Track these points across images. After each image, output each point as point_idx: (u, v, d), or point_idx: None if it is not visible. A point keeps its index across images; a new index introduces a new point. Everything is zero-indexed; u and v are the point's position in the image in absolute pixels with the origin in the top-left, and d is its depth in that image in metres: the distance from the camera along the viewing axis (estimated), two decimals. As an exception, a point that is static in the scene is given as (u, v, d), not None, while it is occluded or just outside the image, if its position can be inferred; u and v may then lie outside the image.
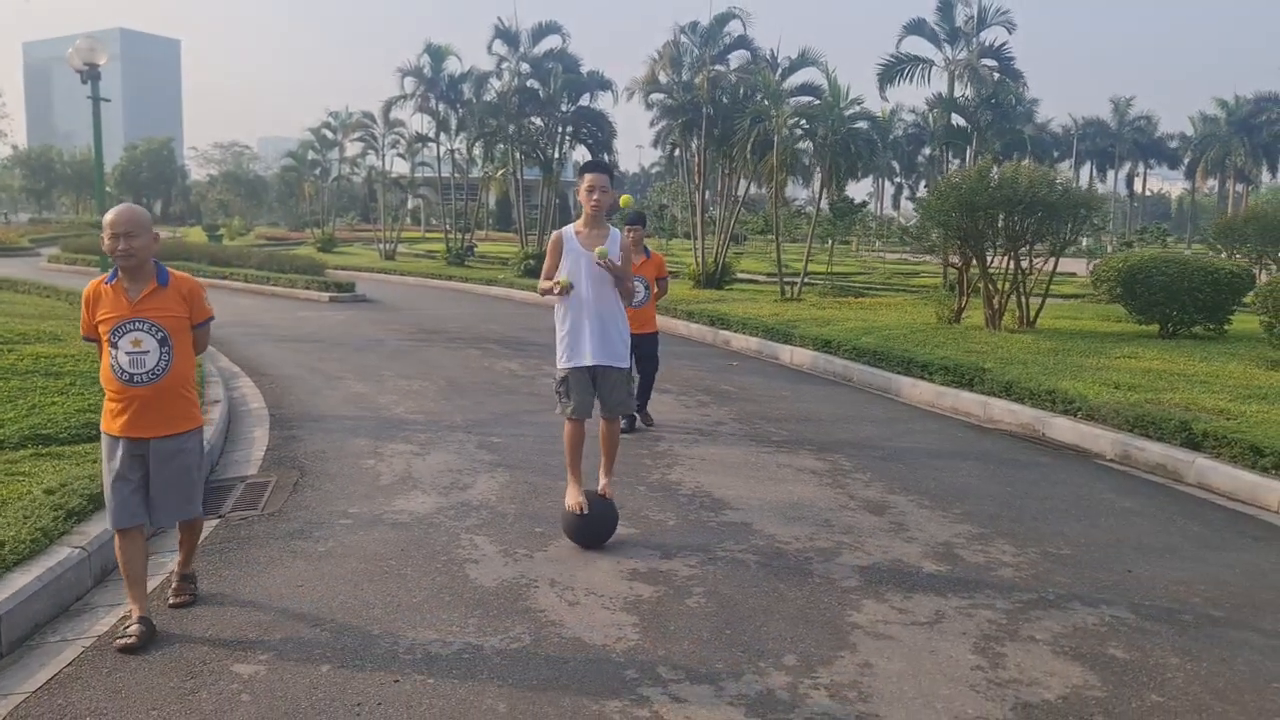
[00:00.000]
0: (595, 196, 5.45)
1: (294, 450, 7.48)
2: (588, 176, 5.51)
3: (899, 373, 11.11)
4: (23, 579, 4.27)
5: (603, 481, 5.58)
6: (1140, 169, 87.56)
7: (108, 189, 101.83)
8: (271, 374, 11.01)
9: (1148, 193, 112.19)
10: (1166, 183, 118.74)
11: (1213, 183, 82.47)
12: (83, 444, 6.70)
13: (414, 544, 5.30)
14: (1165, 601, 4.70)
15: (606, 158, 30.24)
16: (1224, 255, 20.35)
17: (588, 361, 5.45)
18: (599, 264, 5.31)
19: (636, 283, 8.05)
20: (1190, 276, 13.43)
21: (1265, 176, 78.33)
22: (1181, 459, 7.39)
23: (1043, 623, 4.39)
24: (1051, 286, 24.65)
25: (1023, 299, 14.78)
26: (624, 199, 6.15)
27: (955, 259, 15.47)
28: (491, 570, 4.93)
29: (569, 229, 5.59)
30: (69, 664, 3.83)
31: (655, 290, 8.78)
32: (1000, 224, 14.06)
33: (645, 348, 8.51)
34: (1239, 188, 76.86)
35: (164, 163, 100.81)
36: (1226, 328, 13.88)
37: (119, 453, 4.06)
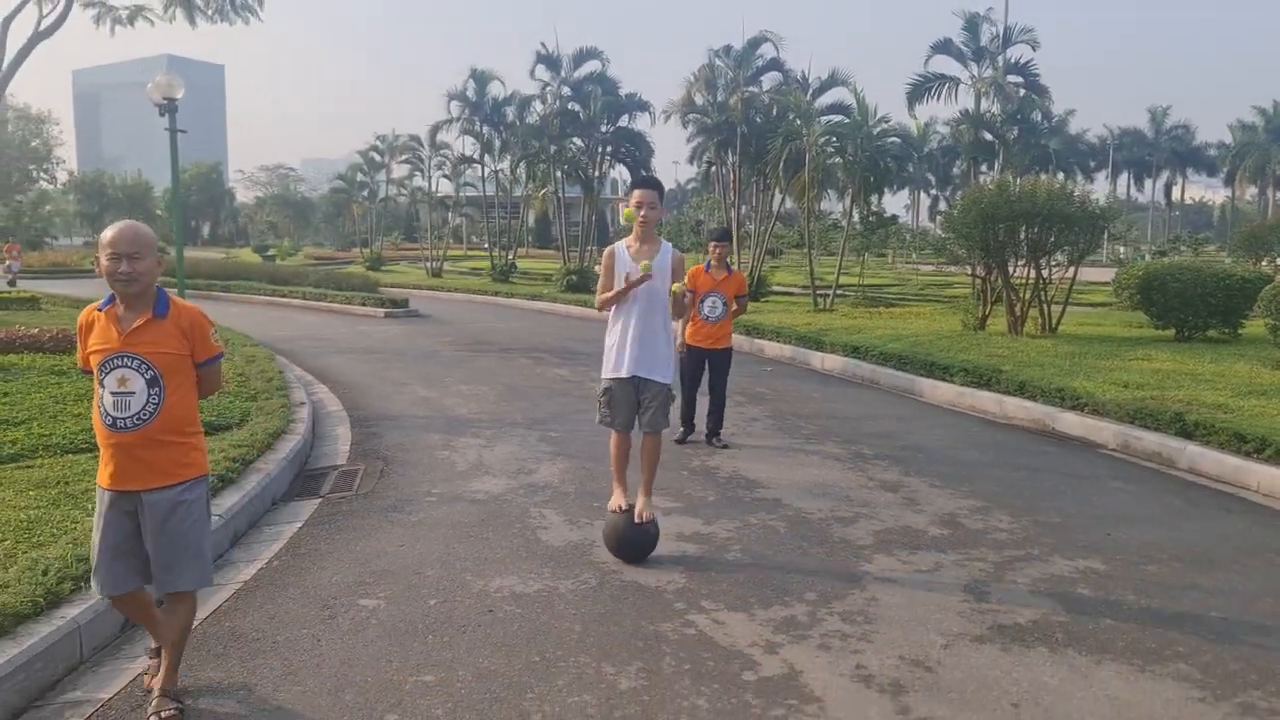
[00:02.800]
0: (644, 212, 5.56)
1: (375, 444, 8.44)
2: (637, 193, 5.64)
3: (922, 375, 11.90)
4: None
5: (640, 502, 5.48)
6: (1178, 178, 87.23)
7: (158, 212, 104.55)
8: (343, 381, 12.02)
9: (1189, 201, 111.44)
10: (1209, 191, 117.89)
11: (1254, 190, 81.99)
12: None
13: (492, 515, 6.23)
14: (1135, 558, 5.51)
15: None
16: (1249, 263, 20.92)
17: (631, 373, 5.54)
18: (641, 275, 5.38)
19: (715, 298, 8.47)
20: (1204, 283, 14.13)
21: (1306, 184, 77.82)
22: (1174, 446, 8.14)
23: (1025, 571, 5.22)
24: (1082, 295, 25.36)
25: (1044, 306, 15.51)
26: (626, 212, 6.21)
27: (980, 269, 16.21)
28: (559, 534, 5.84)
29: (621, 244, 5.72)
30: (227, 599, 4.77)
31: (734, 307, 8.77)
32: (1021, 235, 14.82)
33: (719, 362, 8.64)
34: (1279, 195, 76.46)
35: (213, 186, 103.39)
36: (1240, 331, 14.53)
37: (107, 508, 3.55)
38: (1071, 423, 9.36)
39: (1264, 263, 20.96)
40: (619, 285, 5.54)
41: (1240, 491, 7.19)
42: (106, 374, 3.48)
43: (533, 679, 3.88)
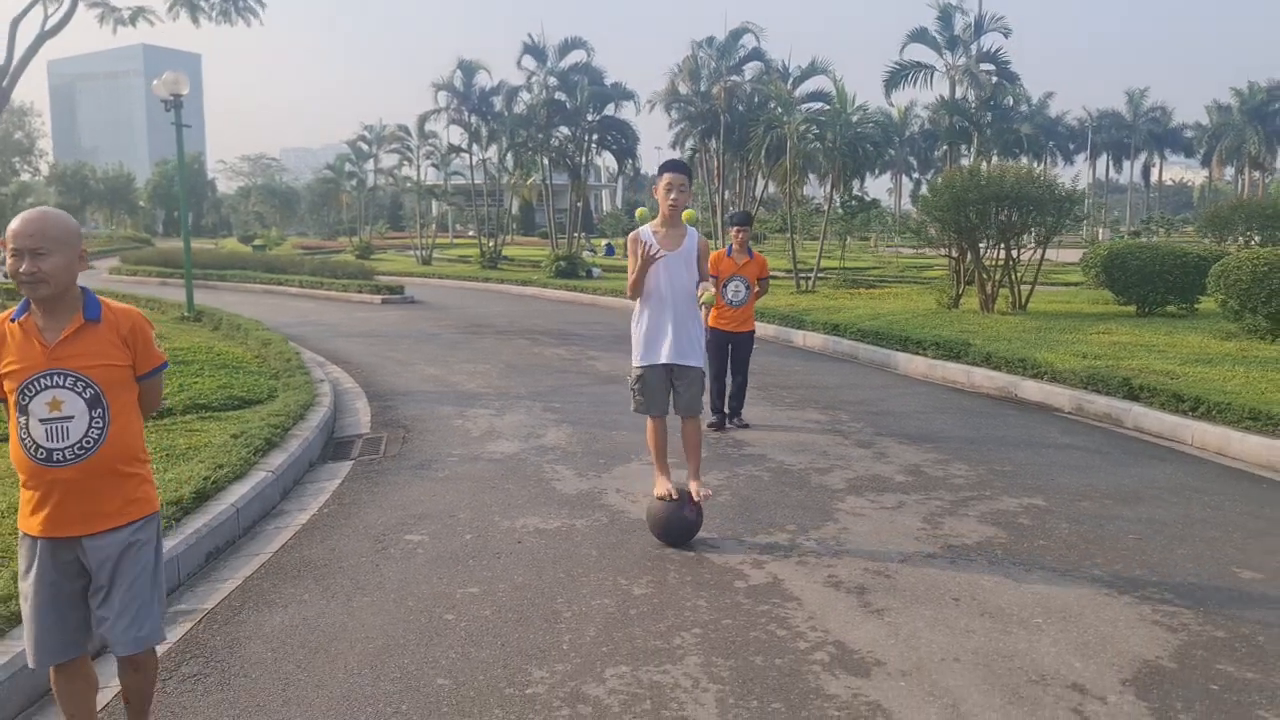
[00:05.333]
0: (674, 196, 5.43)
1: (394, 415, 9.21)
2: (666, 175, 5.48)
3: (897, 349, 12.75)
4: (242, 489, 6.01)
5: (693, 486, 5.49)
6: (1157, 160, 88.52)
7: (141, 204, 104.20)
8: (353, 361, 12.77)
9: (1169, 182, 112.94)
10: (1189, 172, 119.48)
11: (1230, 170, 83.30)
12: (231, 410, 8.39)
13: (510, 471, 7.03)
14: (1072, 496, 6.35)
15: (630, 163, 32.01)
16: (1215, 242, 21.84)
17: (664, 359, 5.47)
18: (654, 255, 5.39)
19: (738, 282, 8.48)
20: (1162, 261, 15.03)
21: (1280, 163, 79.22)
22: (1122, 408, 8.99)
23: (976, 506, 6.06)
24: (1056, 275, 26.32)
25: (1014, 285, 16.38)
26: (640, 211, 6.33)
27: (953, 251, 17.06)
28: (572, 484, 6.65)
29: (646, 229, 5.57)
30: (291, 537, 5.56)
31: (756, 290, 8.73)
32: (991, 218, 15.68)
33: (742, 345, 8.71)
34: (1255, 175, 77.77)
35: (194, 176, 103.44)
36: (1197, 307, 15.44)
37: (37, 560, 2.94)
38: (1031, 389, 10.21)
39: (1229, 242, 21.83)
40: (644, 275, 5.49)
41: (1177, 445, 8.04)
42: (31, 398, 2.85)
43: (560, 589, 4.68)
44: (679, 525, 5.34)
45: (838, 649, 4.00)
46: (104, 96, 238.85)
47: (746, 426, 8.57)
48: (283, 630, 4.24)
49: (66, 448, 2.86)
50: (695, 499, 5.36)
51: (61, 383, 2.86)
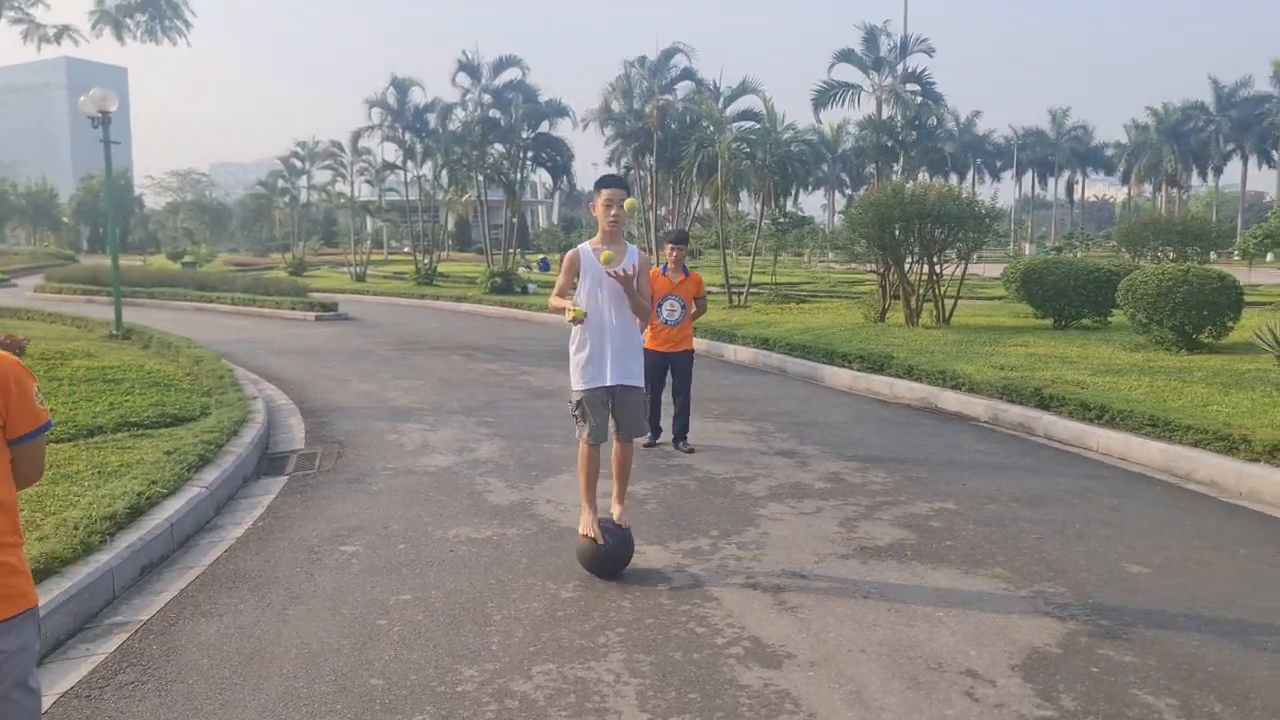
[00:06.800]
0: (614, 211, 5.20)
1: (328, 431, 9.30)
2: (605, 192, 5.24)
3: (823, 362, 13.11)
4: (176, 504, 6.09)
5: (616, 510, 5.33)
6: (1079, 176, 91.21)
7: (65, 219, 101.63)
8: (286, 379, 12.79)
9: (1092, 198, 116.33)
10: (1110, 188, 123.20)
11: (1149, 187, 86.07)
12: (163, 428, 8.40)
13: (443, 484, 7.18)
14: (980, 500, 6.69)
15: (566, 180, 32.25)
16: (1131, 258, 22.70)
17: (607, 382, 5.24)
18: (609, 272, 5.15)
19: (674, 301, 8.32)
20: (1075, 276, 15.65)
21: (1195, 180, 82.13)
22: (1033, 416, 9.41)
23: (889, 511, 6.37)
24: (982, 289, 27.05)
25: (938, 300, 16.90)
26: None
27: (879, 266, 17.55)
28: (503, 496, 6.82)
29: (586, 246, 5.37)
30: (225, 550, 5.66)
31: (693, 309, 8.58)
32: (914, 234, 16.18)
33: (681, 365, 8.53)
34: (1173, 192, 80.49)
35: (121, 192, 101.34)
36: (1109, 320, 16.08)
37: None
38: (951, 400, 10.61)
39: (1143, 257, 22.67)
40: (585, 286, 5.27)
41: (1083, 451, 8.46)
42: None
43: (491, 594, 4.86)
44: (614, 558, 5.16)
45: (753, 643, 4.24)
46: (26, 109, 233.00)
47: (692, 451, 8.27)
48: (219, 638, 4.37)
49: None
50: (618, 523, 5.22)
51: None
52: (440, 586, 4.98)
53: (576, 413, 5.30)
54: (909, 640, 4.26)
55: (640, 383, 5.38)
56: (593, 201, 5.45)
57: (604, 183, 5.36)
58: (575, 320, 5.10)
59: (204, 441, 7.49)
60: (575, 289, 5.34)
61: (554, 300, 5.35)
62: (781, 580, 5.04)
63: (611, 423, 5.38)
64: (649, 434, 8.35)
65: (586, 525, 5.16)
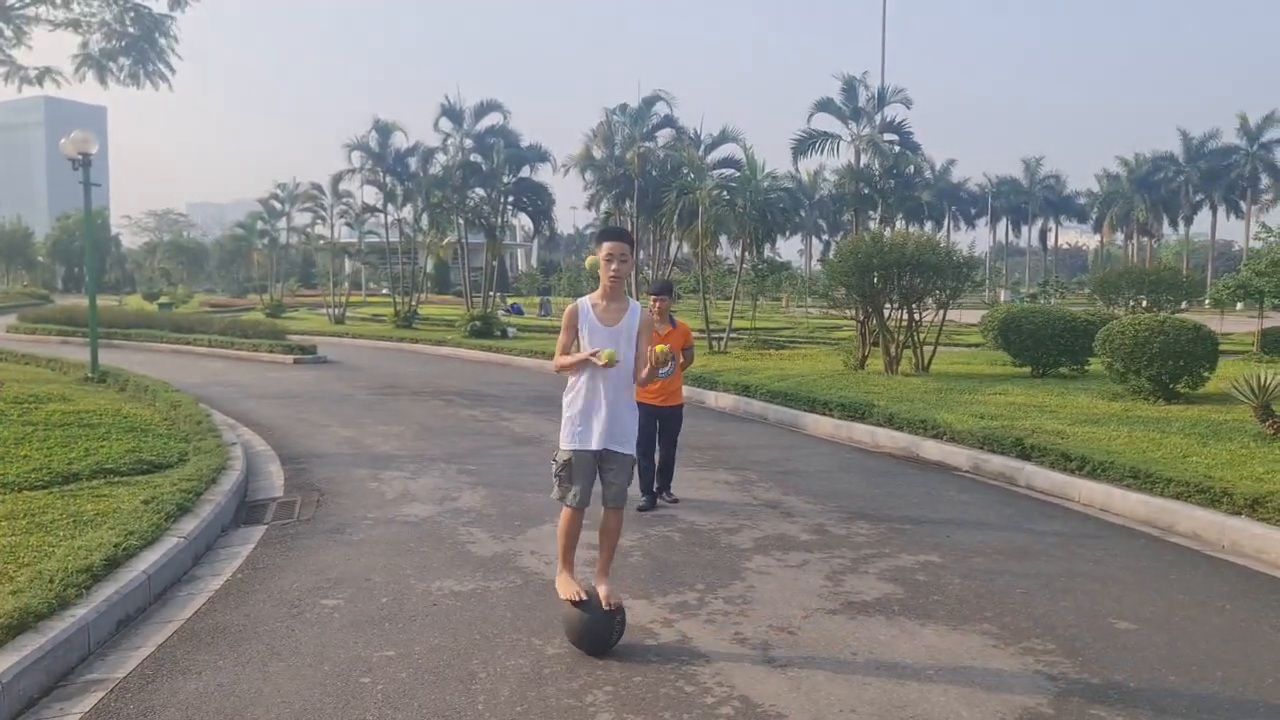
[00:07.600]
0: (614, 266, 4.94)
1: (308, 478, 9.20)
2: (606, 245, 4.99)
3: (805, 410, 13.13)
4: (153, 555, 5.99)
5: (603, 590, 4.90)
6: (1053, 224, 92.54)
7: (40, 259, 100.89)
8: (265, 424, 12.67)
9: (1065, 246, 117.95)
10: (1083, 236, 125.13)
11: (1121, 235, 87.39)
12: (140, 475, 8.30)
13: (425, 534, 7.10)
14: (966, 553, 6.68)
15: (547, 224, 32.37)
16: (1105, 306, 22.97)
17: (594, 445, 4.93)
18: (603, 365, 4.80)
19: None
20: (1053, 324, 15.80)
21: (1166, 229, 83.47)
22: (1015, 466, 9.44)
23: (876, 564, 6.34)
24: (959, 336, 27.26)
25: (917, 347, 17.00)
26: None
27: (859, 313, 17.65)
28: (486, 547, 6.75)
29: (585, 301, 5.10)
30: (204, 603, 5.56)
31: (681, 361, 8.14)
32: (893, 282, 16.30)
33: (670, 420, 8.35)
34: (1144, 240, 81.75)
35: (98, 231, 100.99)
36: (1087, 368, 16.21)
37: None
38: (932, 449, 10.63)
39: (1118, 306, 22.93)
40: (586, 344, 4.98)
41: (1065, 502, 8.48)
42: None
43: (475, 650, 4.79)
44: (602, 634, 4.80)
45: (743, 703, 4.19)
46: (2, 147, 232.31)
47: (676, 501, 8.21)
48: (197, 697, 4.27)
49: None
50: (607, 605, 4.80)
51: None
52: (423, 642, 4.91)
53: (561, 474, 4.96)
54: (900, 700, 4.22)
55: (631, 450, 5.07)
56: (593, 251, 5.15)
57: (607, 235, 5.12)
58: (609, 364, 4.77)
59: (182, 490, 7.39)
60: (577, 344, 5.05)
61: (561, 360, 5.01)
62: (770, 636, 5.00)
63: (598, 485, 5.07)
64: (644, 498, 8.07)
65: (568, 589, 4.90)
